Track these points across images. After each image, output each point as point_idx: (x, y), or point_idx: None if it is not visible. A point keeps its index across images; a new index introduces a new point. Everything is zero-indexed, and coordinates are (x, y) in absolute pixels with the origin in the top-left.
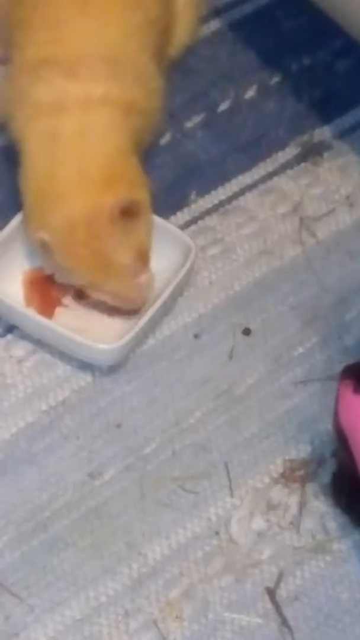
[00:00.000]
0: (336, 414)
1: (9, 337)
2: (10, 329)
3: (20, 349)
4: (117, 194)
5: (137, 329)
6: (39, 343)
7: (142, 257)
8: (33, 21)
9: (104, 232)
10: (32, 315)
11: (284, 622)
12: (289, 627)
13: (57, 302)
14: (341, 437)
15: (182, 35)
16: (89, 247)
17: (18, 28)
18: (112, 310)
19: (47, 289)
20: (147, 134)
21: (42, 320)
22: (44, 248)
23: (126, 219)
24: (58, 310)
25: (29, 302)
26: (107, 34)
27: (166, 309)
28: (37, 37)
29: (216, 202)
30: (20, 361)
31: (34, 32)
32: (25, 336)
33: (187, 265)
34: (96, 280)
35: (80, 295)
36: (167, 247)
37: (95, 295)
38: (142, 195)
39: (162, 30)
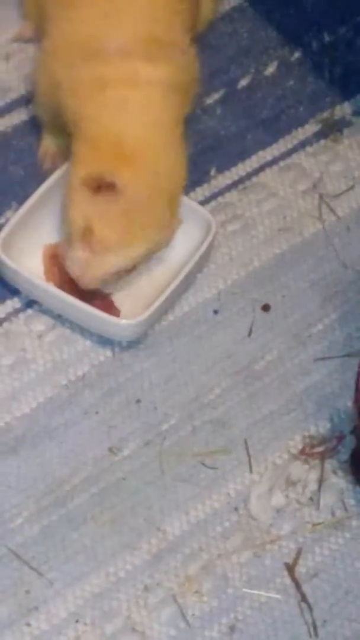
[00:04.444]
0: (357, 391)
1: (29, 311)
2: (31, 303)
3: (40, 323)
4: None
5: (157, 304)
6: (59, 318)
7: (82, 233)
8: (73, 1)
9: (72, 195)
10: (52, 290)
11: (303, 598)
12: (308, 603)
13: None
14: None
15: (205, 10)
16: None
17: (57, 5)
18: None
19: None
20: (189, 106)
21: (62, 294)
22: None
23: (94, 192)
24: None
25: (48, 276)
26: (154, 14)
27: (186, 285)
28: (82, 15)
29: (236, 178)
30: (40, 336)
31: (77, 10)
32: (45, 311)
33: (207, 241)
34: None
35: None
36: (187, 223)
37: None
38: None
39: (192, 5)
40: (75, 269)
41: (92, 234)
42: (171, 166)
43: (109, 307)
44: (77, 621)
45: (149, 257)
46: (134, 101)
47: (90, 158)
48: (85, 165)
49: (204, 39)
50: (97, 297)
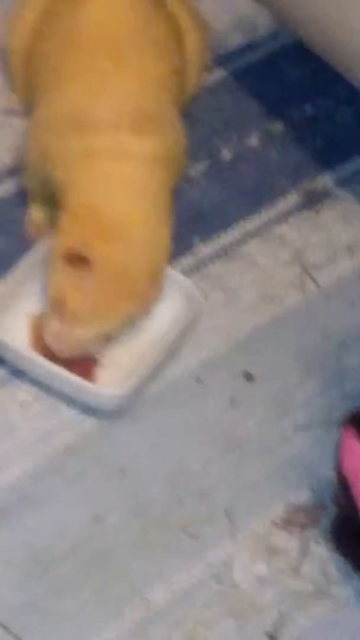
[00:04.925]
0: (338, 461)
1: (15, 381)
2: (16, 372)
3: (26, 392)
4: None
5: (140, 375)
6: (45, 387)
7: (56, 304)
8: (64, 73)
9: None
10: (37, 359)
11: None
12: None
13: None
14: (343, 484)
15: (190, 83)
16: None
17: (47, 78)
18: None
19: None
20: (175, 179)
21: (47, 364)
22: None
23: (69, 265)
24: None
25: (34, 347)
26: (143, 87)
27: (170, 355)
28: (72, 88)
29: (219, 248)
30: (25, 405)
31: (66, 85)
32: (31, 380)
33: (191, 312)
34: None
35: None
36: (170, 293)
37: None
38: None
39: (179, 80)
40: (48, 338)
41: (65, 305)
42: (152, 239)
43: (87, 373)
44: None
45: (128, 326)
46: (117, 173)
47: (69, 229)
48: (64, 236)
49: (188, 111)
50: (77, 363)
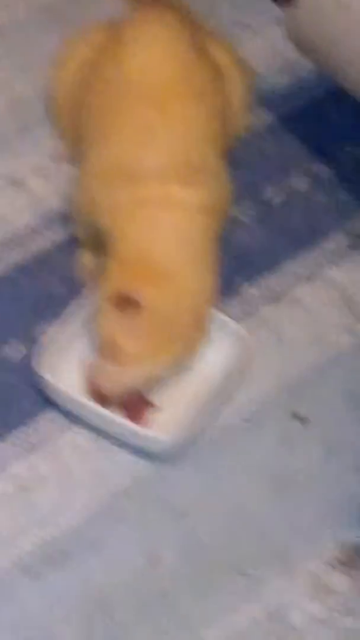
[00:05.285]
0: None
1: (71, 425)
2: (71, 417)
3: (81, 436)
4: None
5: (194, 419)
6: (99, 431)
7: (106, 347)
8: (110, 124)
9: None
10: (89, 405)
11: None
12: None
13: None
14: None
15: (234, 127)
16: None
17: (94, 130)
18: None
19: None
20: (220, 226)
21: (100, 409)
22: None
23: (119, 308)
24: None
25: (89, 391)
26: (188, 137)
27: (224, 398)
28: (120, 141)
29: (267, 291)
30: (81, 449)
31: (112, 136)
32: (86, 423)
33: (241, 355)
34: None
35: None
36: (221, 338)
37: None
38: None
39: (224, 126)
40: (98, 379)
41: (115, 347)
42: (199, 285)
43: (141, 417)
44: None
45: (175, 368)
46: (164, 222)
47: (118, 275)
48: (113, 282)
49: (236, 156)
50: (132, 406)
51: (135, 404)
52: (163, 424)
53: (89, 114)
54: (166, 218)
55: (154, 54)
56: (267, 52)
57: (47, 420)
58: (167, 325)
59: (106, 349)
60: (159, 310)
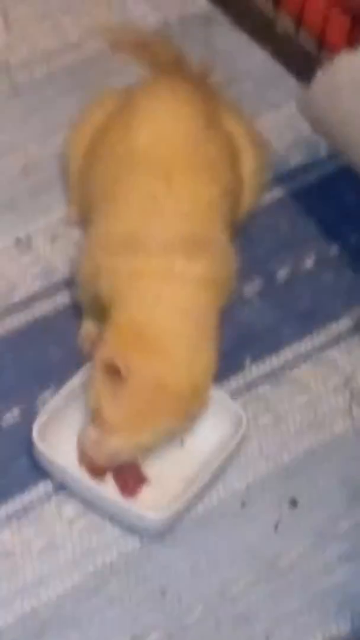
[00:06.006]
0: None
1: (61, 495)
2: (62, 487)
3: (70, 508)
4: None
5: (185, 498)
6: (89, 504)
7: (94, 413)
8: (117, 194)
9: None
10: (80, 478)
11: None
12: None
13: None
14: None
15: (246, 201)
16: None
17: (101, 198)
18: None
19: None
20: (223, 300)
21: (92, 485)
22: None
23: (106, 375)
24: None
25: (81, 461)
26: (194, 211)
27: (216, 477)
28: (125, 211)
29: (269, 370)
30: (70, 521)
31: (119, 206)
32: (76, 496)
33: (238, 436)
34: None
35: None
36: (218, 416)
37: None
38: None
39: (232, 199)
40: (85, 446)
41: (100, 414)
42: (194, 357)
43: (134, 489)
44: None
45: (168, 439)
46: (164, 294)
47: (111, 342)
48: (105, 348)
49: (244, 231)
50: (125, 477)
51: (127, 478)
52: (153, 500)
53: (97, 181)
54: (166, 290)
55: (162, 124)
56: (282, 126)
57: (39, 489)
58: (156, 396)
59: (94, 415)
60: (147, 380)
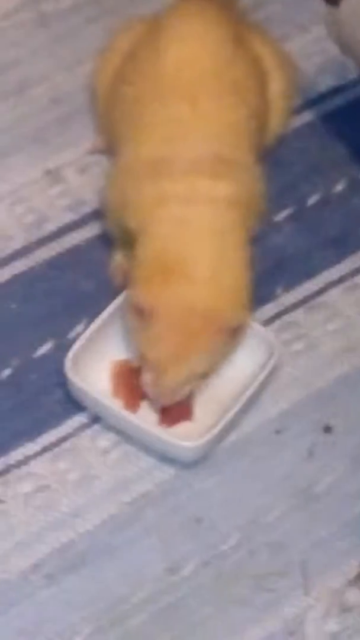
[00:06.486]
0: None
1: (95, 427)
2: (97, 419)
3: (105, 439)
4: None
5: (219, 426)
6: (124, 434)
7: (141, 357)
8: (143, 120)
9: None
10: (116, 409)
11: None
12: None
13: (144, 395)
14: None
15: (274, 124)
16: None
17: (127, 124)
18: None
19: (134, 381)
20: (252, 224)
21: (126, 414)
22: (143, 315)
23: (137, 316)
24: (145, 403)
25: (116, 393)
26: (220, 133)
27: (249, 405)
28: (151, 135)
29: (302, 297)
30: (105, 452)
31: (145, 131)
32: (110, 427)
33: (270, 363)
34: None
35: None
36: (250, 344)
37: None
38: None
39: (259, 122)
40: (147, 391)
41: (146, 357)
42: (221, 276)
43: (184, 414)
44: None
45: (221, 359)
46: (188, 215)
47: (139, 278)
48: (131, 290)
49: (274, 155)
50: (166, 410)
51: (172, 408)
52: (186, 428)
53: (124, 108)
54: (191, 212)
55: (189, 48)
56: (312, 49)
57: (74, 422)
58: (191, 323)
59: (143, 360)
60: (173, 311)
